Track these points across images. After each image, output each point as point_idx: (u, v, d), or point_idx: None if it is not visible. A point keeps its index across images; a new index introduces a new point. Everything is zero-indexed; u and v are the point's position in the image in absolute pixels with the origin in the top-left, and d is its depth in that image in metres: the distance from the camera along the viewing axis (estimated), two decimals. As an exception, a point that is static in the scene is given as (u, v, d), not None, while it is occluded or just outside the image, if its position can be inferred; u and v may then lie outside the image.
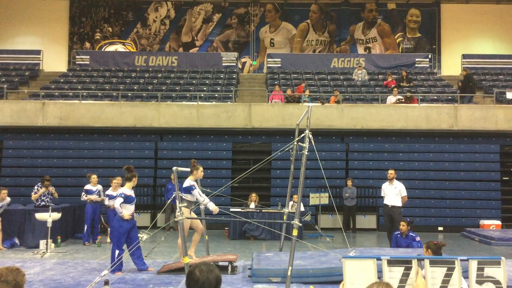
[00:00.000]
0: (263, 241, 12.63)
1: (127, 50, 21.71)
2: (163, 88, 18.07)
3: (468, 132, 15.84)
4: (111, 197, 10.71)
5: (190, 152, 15.64)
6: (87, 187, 11.96)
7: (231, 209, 12.27)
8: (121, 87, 18.02)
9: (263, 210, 12.31)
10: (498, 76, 19.94)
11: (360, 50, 22.01)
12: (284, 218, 9.63)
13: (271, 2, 22.06)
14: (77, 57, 20.75)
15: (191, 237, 8.71)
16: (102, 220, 12.65)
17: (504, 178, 15.84)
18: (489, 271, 4.12)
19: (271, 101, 16.50)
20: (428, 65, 20.66)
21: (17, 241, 11.34)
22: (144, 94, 17.58)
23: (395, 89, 16.72)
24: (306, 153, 7.09)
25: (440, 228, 15.19)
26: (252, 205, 13.39)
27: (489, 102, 17.28)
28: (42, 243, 10.64)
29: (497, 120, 15.45)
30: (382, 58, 21.01)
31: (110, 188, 11.11)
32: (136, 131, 16.02)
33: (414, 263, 4.11)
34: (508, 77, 19.75)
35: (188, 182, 8.23)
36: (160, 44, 22.00)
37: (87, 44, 21.84)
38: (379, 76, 19.58)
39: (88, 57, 20.56)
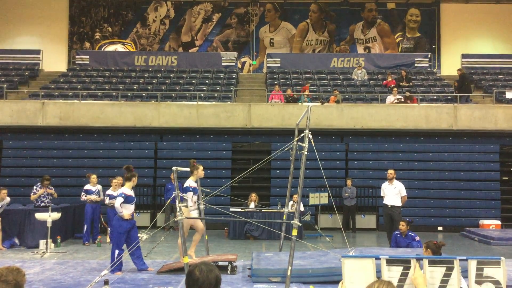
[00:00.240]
0: (262, 241, 12.62)
1: (127, 50, 21.71)
2: (163, 88, 18.07)
3: (467, 132, 15.84)
4: (111, 197, 10.71)
5: (189, 152, 15.64)
6: (87, 187, 11.96)
7: (231, 209, 12.26)
8: (121, 87, 18.02)
9: (263, 210, 12.33)
10: (498, 76, 19.94)
11: (360, 49, 22.02)
12: (284, 218, 9.64)
13: (270, 2, 22.06)
14: (76, 57, 20.75)
15: (191, 237, 8.71)
16: (102, 220, 12.65)
17: (503, 178, 15.84)
18: (488, 271, 4.12)
19: (271, 101, 16.51)
20: (427, 65, 20.67)
21: (17, 241, 11.33)
22: (144, 94, 17.58)
23: (395, 89, 16.72)
24: (306, 152, 7.10)
25: (440, 228, 15.20)
26: (252, 205, 13.40)
27: (488, 102, 17.28)
28: (42, 243, 10.63)
29: (497, 120, 15.45)
30: (381, 58, 21.02)
31: (110, 188, 11.13)
32: (136, 131, 16.02)
33: (413, 262, 4.11)
34: (507, 77, 19.75)
35: (188, 182, 8.25)
36: (159, 44, 22.01)
37: (87, 44, 21.84)
38: (379, 75, 19.59)
39: (88, 57, 20.57)
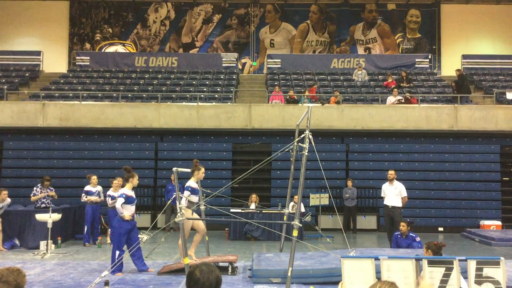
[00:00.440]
0: (263, 241, 12.63)
1: (127, 51, 21.72)
2: (163, 89, 18.08)
3: (468, 133, 15.84)
4: (113, 198, 10.71)
5: (190, 153, 15.65)
6: (87, 188, 11.97)
7: (231, 210, 12.27)
8: (121, 88, 18.04)
9: (263, 211, 12.33)
10: (498, 76, 19.94)
11: (360, 50, 22.02)
12: (285, 218, 9.64)
13: (271, 3, 22.07)
14: (77, 58, 20.77)
15: (192, 237, 8.71)
16: (103, 221, 12.67)
17: (504, 178, 15.85)
18: (488, 271, 4.13)
19: (271, 102, 16.51)
20: (428, 66, 20.67)
21: (17, 242, 11.34)
22: (144, 95, 17.59)
23: (395, 89, 16.73)
24: (306, 153, 7.10)
25: (440, 229, 15.20)
26: (253, 206, 13.41)
27: (489, 102, 17.28)
28: (42, 244, 10.63)
29: (497, 121, 15.45)
30: (382, 58, 21.02)
31: (111, 189, 11.13)
32: (136, 132, 16.03)
33: (412, 263, 4.12)
34: (508, 78, 19.75)
35: (188, 183, 8.25)
36: (160, 45, 22.02)
37: (87, 45, 21.85)
38: (379, 76, 19.59)
39: (88, 58, 20.59)
